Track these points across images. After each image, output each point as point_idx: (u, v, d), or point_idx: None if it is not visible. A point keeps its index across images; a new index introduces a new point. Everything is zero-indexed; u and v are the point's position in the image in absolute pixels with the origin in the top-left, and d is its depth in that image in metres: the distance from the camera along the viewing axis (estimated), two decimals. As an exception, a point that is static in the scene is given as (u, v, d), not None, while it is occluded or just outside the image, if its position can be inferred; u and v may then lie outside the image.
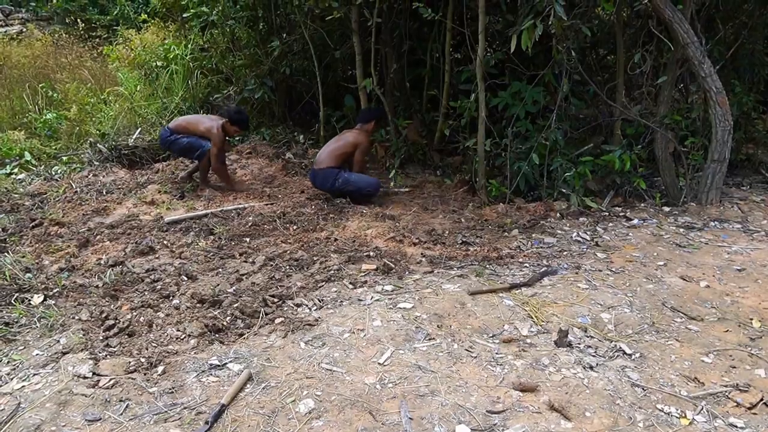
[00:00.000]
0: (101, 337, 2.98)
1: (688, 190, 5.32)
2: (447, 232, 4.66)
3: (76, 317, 3.20)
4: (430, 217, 5.11)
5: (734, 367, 2.80)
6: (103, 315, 3.21)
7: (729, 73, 6.15)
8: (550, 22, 4.51)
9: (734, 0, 6.40)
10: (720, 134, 5.06)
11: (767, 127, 7.31)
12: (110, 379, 2.60)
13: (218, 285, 3.66)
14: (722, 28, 6.17)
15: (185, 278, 3.77)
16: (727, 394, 2.58)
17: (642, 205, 5.27)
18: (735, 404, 2.51)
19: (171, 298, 3.47)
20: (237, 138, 7.48)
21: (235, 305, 3.35)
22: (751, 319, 3.25)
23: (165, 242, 4.40)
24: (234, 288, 3.65)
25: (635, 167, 5.32)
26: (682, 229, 4.68)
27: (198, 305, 3.36)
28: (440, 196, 5.68)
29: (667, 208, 5.17)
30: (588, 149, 5.56)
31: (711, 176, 5.16)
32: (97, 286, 3.62)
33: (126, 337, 3.01)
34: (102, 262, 4.01)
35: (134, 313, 3.24)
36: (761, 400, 2.52)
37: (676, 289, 3.61)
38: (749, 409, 2.47)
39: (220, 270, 3.95)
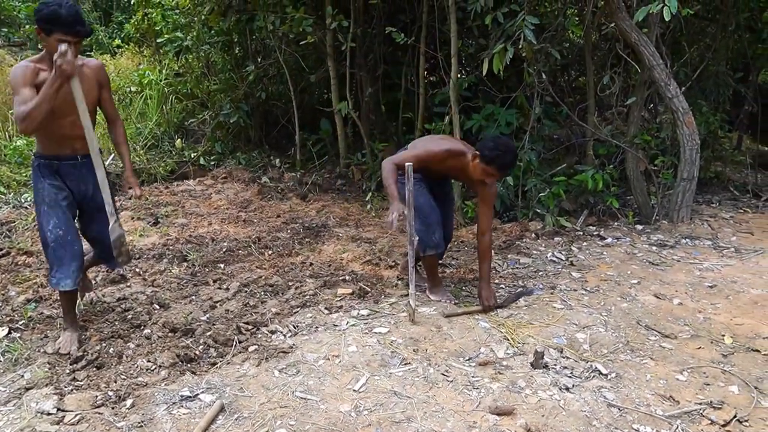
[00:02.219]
0: (68, 371, 2.89)
1: (660, 208, 5.41)
2: (423, 254, 4.65)
3: (42, 350, 3.11)
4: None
5: (708, 384, 2.81)
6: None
7: (695, 93, 6.33)
8: (520, 46, 4.60)
9: (698, 24, 6.62)
10: (688, 153, 5.17)
11: (734, 145, 7.51)
12: (76, 415, 2.52)
13: (191, 313, 3.59)
14: (688, 51, 6.36)
15: (157, 307, 3.70)
16: (701, 412, 2.58)
17: (615, 223, 5.34)
18: (709, 422, 2.52)
19: (142, 327, 3.39)
20: (213, 162, 7.44)
21: (208, 333, 3.28)
22: (723, 336, 3.28)
23: (137, 270, 4.31)
24: (207, 316, 3.58)
25: (608, 186, 5.40)
26: (654, 247, 4.74)
27: (170, 334, 3.29)
28: (417, 218, 5.68)
29: (639, 227, 5.24)
30: (562, 169, 5.64)
31: (681, 194, 5.26)
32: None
33: (94, 369, 2.92)
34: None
35: (103, 345, 3.16)
36: (734, 417, 2.53)
37: (650, 307, 3.64)
38: (723, 426, 2.48)
39: (194, 297, 3.88)
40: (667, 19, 4.15)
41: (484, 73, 4.83)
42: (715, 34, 6.46)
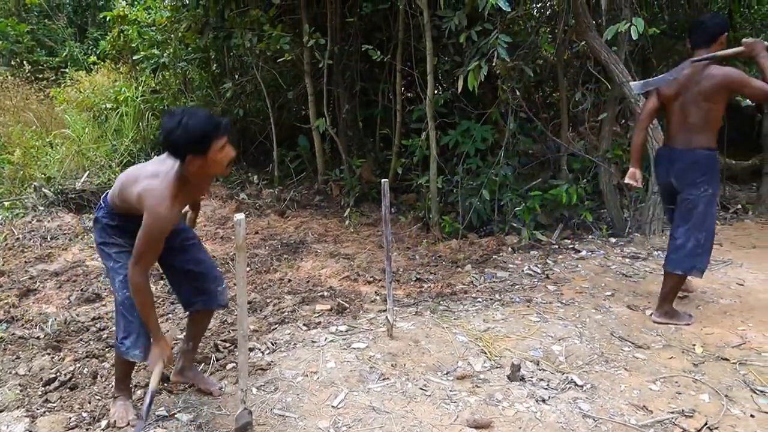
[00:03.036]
0: (40, 393, 2.84)
1: (633, 221, 5.52)
2: (401, 269, 4.69)
3: (14, 371, 3.05)
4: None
5: (680, 393, 2.87)
6: (44, 368, 3.07)
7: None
8: (494, 63, 4.70)
9: (665, 41, 6.83)
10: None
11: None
12: (49, 437, 2.48)
13: (168, 331, 3.55)
14: (656, 68, 6.54)
15: (133, 326, 3.65)
16: (673, 420, 2.64)
17: (590, 236, 5.43)
18: (681, 430, 2.57)
19: (117, 347, 3.35)
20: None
21: (185, 352, 3.25)
22: (694, 345, 3.36)
23: (112, 288, 4.25)
24: (184, 334, 3.54)
25: (582, 200, 5.49)
26: (627, 259, 4.83)
27: (146, 353, 3.25)
28: (395, 233, 5.72)
29: (613, 239, 5.34)
30: (537, 184, 5.73)
31: (653, 207, 5.38)
32: (38, 338, 3.47)
33: (67, 390, 2.87)
34: (44, 311, 3.85)
35: (77, 365, 3.11)
36: (705, 424, 2.59)
37: (624, 319, 3.71)
38: (694, 434, 2.53)
39: (171, 315, 3.85)
40: (634, 38, 4.29)
41: (460, 90, 4.92)
42: (682, 52, 6.66)
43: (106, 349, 3.30)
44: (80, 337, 3.47)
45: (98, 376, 3.00)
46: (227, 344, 3.37)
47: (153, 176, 2.38)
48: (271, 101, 7.32)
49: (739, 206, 6.44)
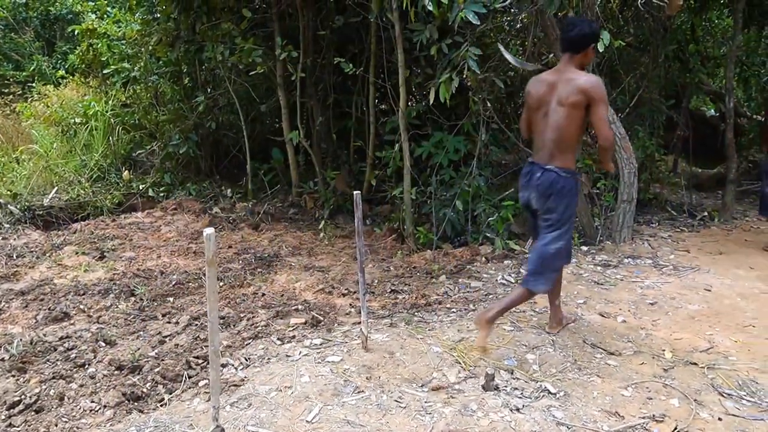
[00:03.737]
0: (3, 416, 2.75)
1: (603, 229, 5.62)
2: (376, 281, 4.69)
3: (-23, 394, 2.95)
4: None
5: (651, 399, 2.92)
6: (7, 391, 2.98)
7: (632, 119, 6.65)
8: (465, 76, 4.76)
9: (632, 54, 7.00)
10: (627, 176, 5.41)
11: (670, 168, 7.90)
12: (13, 462, 2.40)
13: (139, 349, 3.48)
14: (624, 79, 6.69)
15: (103, 344, 3.57)
16: (645, 425, 2.67)
17: (562, 245, 5.49)
18: (652, 435, 2.61)
19: (86, 366, 3.27)
20: (162, 194, 7.31)
21: (157, 370, 3.20)
22: (664, 351, 3.42)
23: (81, 307, 4.17)
24: (156, 351, 3.49)
25: (553, 210, 5.55)
26: (599, 267, 4.91)
27: (116, 372, 3.18)
28: (370, 245, 5.72)
29: (585, 248, 5.42)
30: (510, 194, 5.79)
31: (622, 216, 5.49)
32: (2, 359, 3.37)
33: (32, 413, 2.79)
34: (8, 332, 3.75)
35: (43, 386, 3.03)
36: (675, 428, 2.63)
37: (596, 326, 3.76)
38: (665, 439, 2.57)
39: (142, 333, 3.77)
40: (600, 51, 4.38)
41: (432, 101, 4.96)
42: (648, 64, 6.84)
43: (74, 370, 3.22)
44: (47, 358, 3.38)
45: (65, 397, 2.93)
46: (200, 360, 3.31)
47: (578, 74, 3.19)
48: (244, 114, 7.29)
49: (705, 213, 6.60)
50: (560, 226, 3.30)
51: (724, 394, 2.95)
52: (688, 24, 7.38)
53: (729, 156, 6.61)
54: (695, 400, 2.89)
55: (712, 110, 9.70)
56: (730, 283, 4.51)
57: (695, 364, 3.27)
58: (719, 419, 2.74)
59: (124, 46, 8.07)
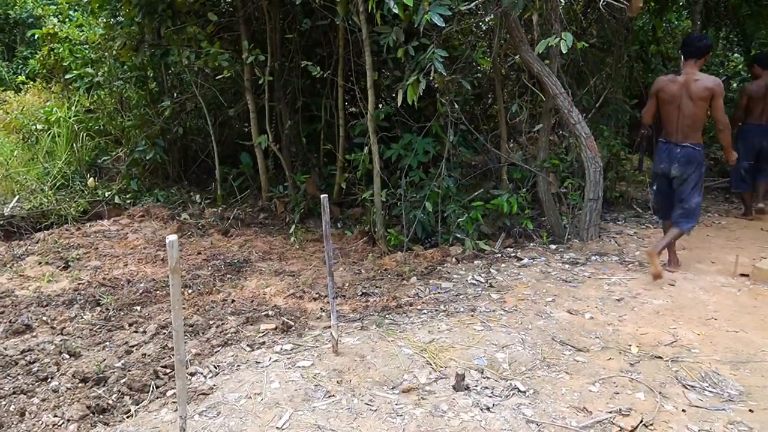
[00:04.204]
0: (-39, 433, 2.67)
1: (571, 227, 5.70)
2: (347, 284, 4.68)
3: (-67, 412, 2.85)
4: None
5: (617, 393, 2.97)
6: (-33, 407, 2.89)
7: (598, 119, 6.77)
8: (432, 78, 4.78)
9: (597, 55, 7.13)
10: (592, 175, 5.50)
11: (635, 166, 8.06)
12: (-29, 481, 2.32)
13: (104, 360, 3.41)
14: (590, 80, 6.81)
15: (67, 356, 3.49)
16: (611, 420, 2.72)
17: (531, 244, 5.57)
18: (619, 429, 2.65)
19: (49, 380, 3.19)
20: (129, 201, 7.17)
21: (123, 380, 3.13)
22: (630, 346, 3.48)
23: (44, 318, 4.06)
24: (122, 362, 3.42)
25: (522, 209, 5.63)
26: (567, 265, 4.98)
27: (80, 385, 3.11)
28: (341, 248, 5.70)
29: (553, 246, 5.49)
30: (479, 194, 5.84)
31: (589, 214, 5.57)
32: (-40, 375, 3.26)
33: (-8, 429, 2.71)
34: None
35: (3, 402, 2.94)
36: (641, 422, 2.68)
37: (564, 323, 3.81)
38: (631, 431, 2.62)
39: (108, 343, 3.69)
40: (564, 52, 4.45)
41: (399, 103, 4.98)
42: (612, 65, 6.98)
43: (36, 384, 3.14)
44: (7, 372, 3.28)
45: (26, 413, 2.85)
46: (168, 370, 3.26)
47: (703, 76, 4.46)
48: (212, 119, 7.21)
49: (670, 210, 6.73)
50: (698, 185, 4.61)
51: (688, 386, 3.02)
52: (649, 25, 7.56)
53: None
54: (660, 393, 2.95)
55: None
56: (693, 278, 4.63)
57: (660, 357, 3.34)
58: (683, 411, 2.80)
59: (87, 51, 7.90)
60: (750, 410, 2.79)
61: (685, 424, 2.68)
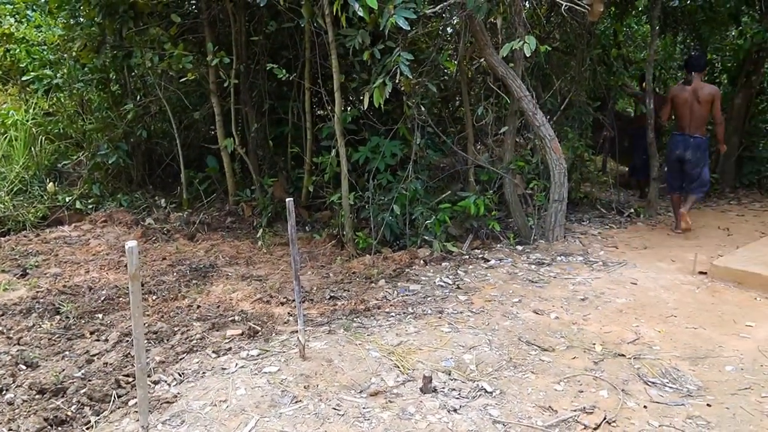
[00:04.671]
0: None
1: (537, 228, 5.78)
2: (315, 288, 4.65)
3: None
4: (299, 274, 5.06)
5: (582, 392, 3.01)
6: None
7: (563, 121, 6.89)
8: (398, 80, 4.80)
9: (561, 58, 7.26)
10: (557, 176, 5.59)
11: (598, 167, 8.23)
12: None
13: (63, 370, 3.31)
14: (555, 83, 6.92)
15: (24, 367, 3.38)
16: (576, 418, 2.76)
17: (498, 245, 5.63)
18: (583, 427, 2.69)
19: (4, 392, 3.08)
20: (91, 206, 7.00)
21: (83, 391, 3.05)
22: (594, 344, 3.54)
23: (0, 328, 3.93)
24: (82, 371, 3.33)
25: (489, 211, 5.69)
26: (533, 266, 5.04)
27: (37, 396, 3.01)
28: (309, 252, 5.67)
29: (520, 247, 5.56)
30: (447, 196, 5.88)
31: (554, 215, 5.66)
32: None
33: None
34: None
35: (-44, 416, 2.83)
36: (604, 419, 2.73)
37: (530, 323, 3.86)
38: (594, 429, 2.66)
39: (67, 353, 3.59)
40: (527, 55, 4.52)
41: (366, 106, 4.98)
42: (576, 68, 7.11)
43: (-9, 395, 3.03)
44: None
45: (-20, 425, 2.75)
46: (130, 379, 3.18)
47: (706, 85, 5.98)
48: (177, 122, 7.09)
49: (632, 210, 6.90)
50: (707, 164, 6.08)
51: (649, 383, 3.08)
52: (611, 29, 7.72)
53: (651, 155, 6.94)
54: (623, 390, 3.01)
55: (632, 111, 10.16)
56: (654, 276, 4.74)
57: (623, 355, 3.40)
58: (644, 407, 2.86)
59: (45, 52, 7.69)
60: (708, 404, 2.87)
61: (646, 420, 2.74)
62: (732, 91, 8.00)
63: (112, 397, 3.01)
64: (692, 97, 5.87)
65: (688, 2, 7.54)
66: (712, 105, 5.82)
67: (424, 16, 4.88)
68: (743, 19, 7.97)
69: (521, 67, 5.68)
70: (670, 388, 3.04)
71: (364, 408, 2.83)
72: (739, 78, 7.80)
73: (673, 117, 6.29)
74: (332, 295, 4.46)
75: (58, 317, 4.14)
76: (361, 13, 4.33)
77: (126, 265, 5.25)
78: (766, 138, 8.33)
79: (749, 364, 3.27)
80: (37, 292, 4.60)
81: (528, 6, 6.22)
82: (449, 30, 6.72)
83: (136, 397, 2.97)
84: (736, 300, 4.25)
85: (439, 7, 4.68)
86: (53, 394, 3.03)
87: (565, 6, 4.67)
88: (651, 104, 6.76)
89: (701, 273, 4.77)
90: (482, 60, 5.96)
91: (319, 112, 7.11)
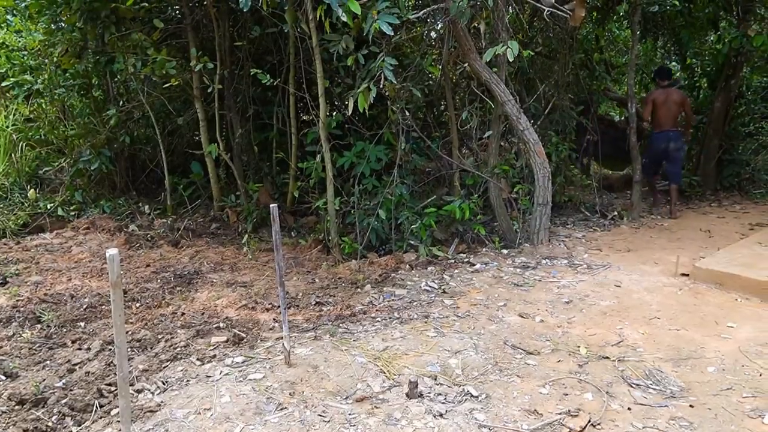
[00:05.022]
0: None
1: (522, 232, 5.81)
2: (301, 294, 4.63)
3: None
4: (284, 280, 5.04)
5: (566, 395, 3.03)
6: None
7: (547, 125, 6.94)
8: (382, 85, 4.80)
9: (544, 63, 7.32)
10: (541, 180, 5.63)
11: (582, 171, 8.29)
12: None
13: (44, 380, 3.26)
14: (539, 87, 6.98)
15: (3, 377, 3.32)
16: (561, 421, 2.77)
17: (484, 249, 5.65)
18: (568, 430, 2.70)
19: (-17, 403, 3.03)
20: (73, 213, 6.92)
21: (64, 401, 3.01)
22: (579, 347, 3.56)
23: (-21, 338, 3.86)
24: (64, 381, 3.28)
25: (475, 215, 5.71)
26: (518, 269, 5.07)
27: (17, 408, 2.96)
28: (294, 257, 5.65)
29: (505, 251, 5.58)
30: (432, 201, 5.89)
31: (539, 218, 5.70)
32: None
33: None
34: None
35: (-67, 429, 2.78)
36: (588, 422, 2.74)
37: (516, 327, 3.87)
38: (579, 432, 2.68)
39: (48, 362, 3.54)
40: (510, 60, 4.55)
41: (351, 111, 4.98)
42: (558, 72, 7.18)
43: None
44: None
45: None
46: (113, 388, 3.14)
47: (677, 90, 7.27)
48: (161, 127, 7.04)
49: (615, 213, 6.97)
50: (684, 154, 7.39)
51: (633, 385, 3.11)
52: (593, 34, 7.81)
53: (633, 158, 7.02)
54: (607, 392, 3.03)
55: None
56: (638, 278, 4.78)
57: (607, 357, 3.43)
58: (629, 409, 2.88)
59: (25, 57, 7.60)
60: (690, 405, 2.89)
61: (630, 422, 2.76)
62: (712, 95, 8.12)
63: (94, 407, 2.97)
64: (667, 99, 7.06)
65: (668, 8, 7.65)
66: (683, 105, 7.13)
67: (408, 21, 4.90)
68: (721, 25, 8.10)
69: (505, 71, 5.72)
70: (654, 389, 3.07)
71: (349, 414, 2.82)
72: (719, 82, 7.92)
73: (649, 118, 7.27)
74: (318, 300, 4.45)
75: (39, 326, 4.08)
76: (344, 18, 4.34)
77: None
78: (745, 141, 8.46)
79: (731, 364, 3.31)
80: (18, 300, 4.53)
81: (511, 11, 6.27)
82: (433, 35, 6.76)
83: (118, 407, 2.93)
84: (717, 301, 4.30)
85: (422, 12, 4.70)
86: (33, 404, 2.99)
87: (548, 11, 4.71)
88: (633, 109, 6.84)
89: (683, 275, 4.82)
90: (466, 65, 5.99)
91: (304, 117, 7.10)
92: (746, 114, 8.40)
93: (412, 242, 5.50)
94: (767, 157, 8.66)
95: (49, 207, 6.85)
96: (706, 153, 8.14)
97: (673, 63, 9.20)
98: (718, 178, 8.34)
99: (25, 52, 7.66)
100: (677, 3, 7.55)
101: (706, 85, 8.56)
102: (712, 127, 7.99)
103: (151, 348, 3.69)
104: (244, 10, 5.20)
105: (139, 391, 3.11)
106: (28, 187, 7.13)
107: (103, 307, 4.43)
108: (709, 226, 6.52)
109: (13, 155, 7.26)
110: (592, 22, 7.70)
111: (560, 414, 2.82)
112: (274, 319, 4.10)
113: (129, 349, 3.65)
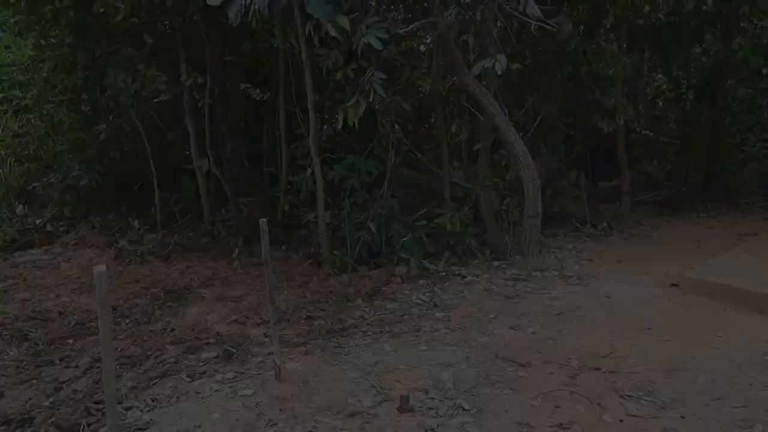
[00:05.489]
0: None
1: (513, 244, 5.82)
2: (292, 308, 4.61)
3: None
4: (275, 294, 5.01)
5: (558, 407, 3.02)
6: None
7: (536, 138, 6.98)
8: (371, 99, 4.83)
9: (532, 75, 7.38)
10: (531, 192, 5.65)
11: (571, 183, 8.34)
12: None
13: (31, 399, 3.23)
14: (528, 100, 7.02)
15: (-11, 397, 3.28)
16: (553, 434, 2.77)
17: (475, 262, 5.65)
18: (560, 443, 2.70)
19: (-32, 423, 2.99)
20: (62, 228, 6.87)
21: (51, 420, 2.98)
22: (570, 359, 3.56)
23: (-35, 357, 3.81)
24: (51, 400, 3.24)
25: (465, 227, 5.71)
26: (509, 282, 5.07)
27: (3, 428, 2.93)
28: (286, 271, 5.62)
29: (496, 263, 5.59)
30: (423, 214, 5.89)
31: (529, 230, 5.71)
32: None
33: None
34: None
35: None
36: (580, 434, 2.74)
37: (507, 339, 3.87)
38: (571, 445, 2.67)
39: (35, 380, 3.51)
40: (499, 74, 4.59)
41: (340, 125, 5.00)
42: (548, 85, 7.24)
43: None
44: None
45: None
46: (101, 406, 3.11)
47: None
48: (150, 143, 7.02)
49: (606, 224, 6.99)
50: None
51: (625, 396, 3.10)
52: (580, 48, 7.89)
53: (622, 170, 7.07)
54: (599, 404, 3.03)
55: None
56: (628, 289, 4.79)
57: (598, 369, 3.42)
58: (621, 421, 2.88)
59: (15, 73, 7.59)
60: (682, 416, 2.90)
61: (622, 434, 2.76)
62: (698, 107, 8.21)
63: (82, 426, 2.93)
64: None
65: (654, 21, 7.75)
66: None
67: (397, 35, 4.94)
68: (706, 38, 8.21)
69: (494, 84, 5.76)
70: (646, 400, 3.06)
71: (341, 430, 2.80)
72: (705, 94, 8.01)
73: None
74: (309, 315, 4.43)
75: (26, 344, 4.04)
76: (333, 33, 4.37)
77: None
78: (732, 152, 8.54)
79: (721, 374, 3.32)
80: (5, 317, 4.49)
81: (499, 25, 6.33)
82: (422, 49, 6.81)
83: (106, 425, 2.90)
84: (707, 311, 4.31)
85: (411, 26, 4.75)
86: (19, 424, 2.96)
87: (535, 25, 4.76)
88: (621, 121, 6.90)
89: (673, 285, 4.84)
90: (455, 78, 6.04)
91: (295, 131, 7.10)
92: (733, 125, 8.49)
93: (403, 255, 5.48)
94: (754, 167, 8.75)
95: (37, 223, 6.81)
96: (694, 164, 8.21)
97: (660, 75, 9.32)
98: (706, 189, 8.40)
99: (15, 67, 7.64)
100: (662, 17, 7.67)
101: (692, 97, 8.65)
102: (700, 139, 8.07)
103: (141, 365, 3.66)
104: (234, 26, 5.22)
105: (128, 409, 3.08)
106: (16, 202, 7.08)
107: (92, 323, 4.38)
108: (698, 236, 6.56)
109: (1, 171, 7.22)
110: (579, 36, 7.78)
111: (552, 427, 2.82)
112: (264, 333, 4.08)
113: (118, 366, 3.61)
